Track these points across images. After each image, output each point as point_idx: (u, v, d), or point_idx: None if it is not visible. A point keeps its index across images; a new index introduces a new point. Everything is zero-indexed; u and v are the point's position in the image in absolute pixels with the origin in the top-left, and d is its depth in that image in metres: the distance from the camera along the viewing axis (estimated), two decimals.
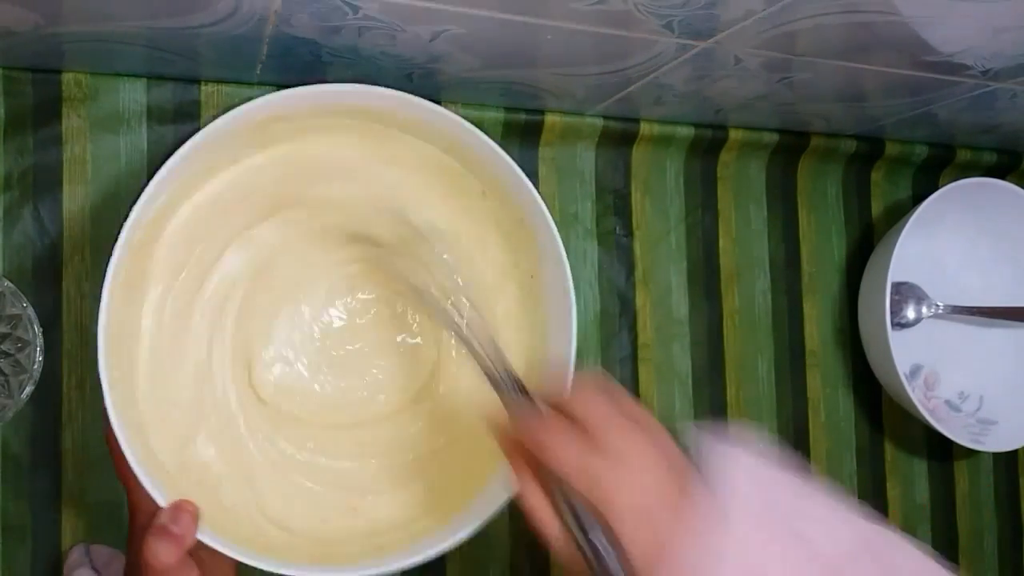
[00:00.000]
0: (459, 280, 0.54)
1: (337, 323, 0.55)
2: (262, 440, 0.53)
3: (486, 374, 0.46)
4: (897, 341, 0.68)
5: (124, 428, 0.44)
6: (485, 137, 0.51)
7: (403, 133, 0.53)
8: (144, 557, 0.43)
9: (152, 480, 0.44)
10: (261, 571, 0.46)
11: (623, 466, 0.39)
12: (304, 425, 0.54)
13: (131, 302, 0.49)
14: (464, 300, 0.52)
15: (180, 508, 0.44)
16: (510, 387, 0.45)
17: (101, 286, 0.44)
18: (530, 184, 0.52)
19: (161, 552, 0.43)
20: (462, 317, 0.51)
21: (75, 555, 0.54)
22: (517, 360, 0.55)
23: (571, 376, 0.51)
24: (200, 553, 0.45)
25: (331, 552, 0.51)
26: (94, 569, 0.53)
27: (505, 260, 0.56)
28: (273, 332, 0.54)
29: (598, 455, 0.39)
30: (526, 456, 0.42)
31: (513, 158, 0.51)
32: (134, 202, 0.44)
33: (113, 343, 0.45)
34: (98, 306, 0.41)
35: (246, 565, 0.46)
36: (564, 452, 0.40)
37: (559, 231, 0.52)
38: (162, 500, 0.44)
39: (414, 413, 0.56)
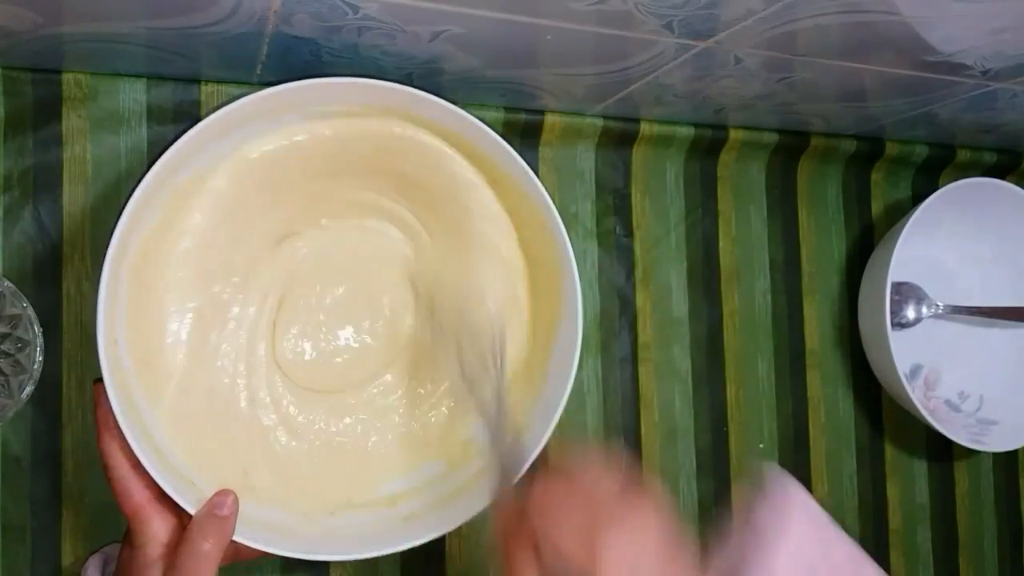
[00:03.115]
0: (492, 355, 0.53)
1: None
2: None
3: (491, 434, 0.47)
4: (897, 341, 0.68)
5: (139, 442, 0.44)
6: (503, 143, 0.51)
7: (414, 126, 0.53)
8: (193, 539, 0.44)
9: (179, 491, 0.45)
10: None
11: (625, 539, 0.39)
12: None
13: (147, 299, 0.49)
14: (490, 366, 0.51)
15: (226, 495, 0.46)
16: (513, 452, 0.46)
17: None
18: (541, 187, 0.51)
19: (213, 539, 0.44)
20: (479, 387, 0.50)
21: (91, 567, 0.52)
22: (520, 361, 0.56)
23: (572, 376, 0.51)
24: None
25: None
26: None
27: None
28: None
29: (602, 529, 0.39)
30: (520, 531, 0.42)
31: None
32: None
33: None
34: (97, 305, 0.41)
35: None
36: (566, 520, 0.40)
37: None
38: (190, 507, 0.45)
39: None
